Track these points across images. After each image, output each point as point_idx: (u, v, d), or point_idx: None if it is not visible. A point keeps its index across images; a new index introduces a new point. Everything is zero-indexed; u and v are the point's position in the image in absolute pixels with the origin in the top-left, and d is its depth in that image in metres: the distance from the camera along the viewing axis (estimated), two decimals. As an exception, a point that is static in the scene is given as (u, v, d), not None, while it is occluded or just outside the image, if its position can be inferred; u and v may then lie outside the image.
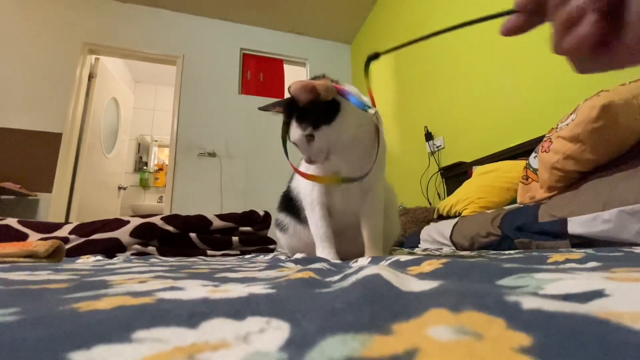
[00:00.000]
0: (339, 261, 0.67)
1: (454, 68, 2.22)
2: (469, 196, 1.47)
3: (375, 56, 0.47)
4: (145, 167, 4.47)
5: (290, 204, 0.86)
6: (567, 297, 0.19)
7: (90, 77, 3.07)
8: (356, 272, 0.29)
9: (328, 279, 0.33)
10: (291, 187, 0.88)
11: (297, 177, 0.83)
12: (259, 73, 3.58)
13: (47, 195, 2.62)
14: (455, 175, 2.04)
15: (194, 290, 0.24)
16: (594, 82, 1.30)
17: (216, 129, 3.20)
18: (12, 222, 1.21)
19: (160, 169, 4.48)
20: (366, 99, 0.68)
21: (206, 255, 1.23)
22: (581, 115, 0.84)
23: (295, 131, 0.65)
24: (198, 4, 3.31)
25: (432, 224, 1.59)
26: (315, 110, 0.63)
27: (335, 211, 0.78)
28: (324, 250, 0.73)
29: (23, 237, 1.17)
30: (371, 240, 0.75)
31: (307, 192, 0.78)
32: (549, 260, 0.42)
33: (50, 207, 2.61)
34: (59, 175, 2.69)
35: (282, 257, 0.86)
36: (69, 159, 2.79)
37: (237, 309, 0.17)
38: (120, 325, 0.15)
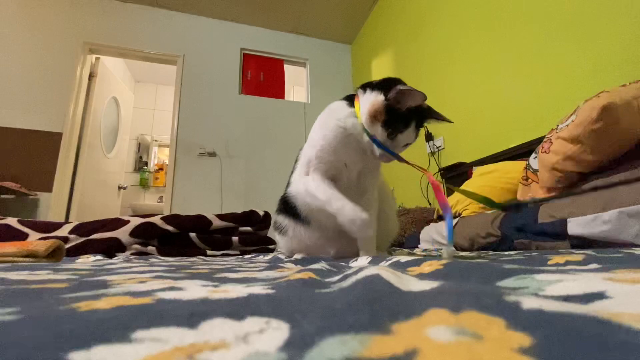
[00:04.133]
0: (363, 215, 0.68)
1: (454, 68, 2.22)
2: (469, 197, 1.47)
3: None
4: (145, 167, 4.47)
5: (289, 207, 0.86)
6: (567, 298, 0.19)
7: (91, 76, 3.07)
8: (356, 272, 0.29)
9: (328, 280, 0.33)
10: (289, 191, 0.85)
11: (294, 178, 0.83)
12: (260, 73, 3.58)
13: (47, 195, 2.62)
14: (455, 175, 2.04)
15: (194, 290, 0.24)
16: (594, 82, 1.30)
17: (216, 128, 3.20)
18: (12, 221, 1.21)
19: (161, 169, 4.48)
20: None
21: (206, 255, 1.23)
22: (581, 116, 0.84)
23: (414, 135, 0.71)
24: (198, 4, 3.31)
25: (432, 224, 1.59)
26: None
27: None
28: (345, 209, 0.69)
29: (23, 236, 1.17)
30: (365, 240, 0.75)
31: (308, 182, 0.76)
32: (550, 262, 0.42)
33: (50, 206, 2.61)
34: (59, 174, 2.69)
35: (282, 257, 0.86)
36: (69, 159, 2.79)
37: (237, 309, 0.17)
38: (120, 325, 0.15)
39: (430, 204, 2.31)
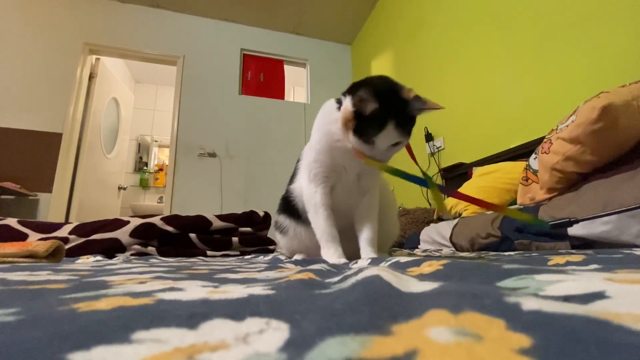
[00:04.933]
0: (344, 260, 0.67)
1: (454, 69, 2.22)
2: (469, 197, 1.47)
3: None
4: (145, 167, 4.47)
5: (290, 207, 0.86)
6: (567, 299, 0.19)
7: (91, 77, 3.07)
8: (356, 273, 0.29)
9: (328, 280, 0.33)
10: (291, 189, 0.86)
11: (299, 179, 0.83)
12: (260, 73, 3.58)
13: (47, 195, 2.62)
14: (455, 176, 2.04)
15: (194, 291, 0.24)
16: (594, 83, 1.30)
17: (216, 129, 3.21)
18: (12, 222, 1.21)
19: (161, 169, 4.48)
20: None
21: (206, 256, 1.22)
22: (581, 116, 0.84)
23: (396, 134, 0.62)
24: (198, 5, 3.31)
25: (432, 225, 1.59)
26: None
27: (335, 213, 0.78)
28: (330, 250, 0.72)
29: (23, 237, 1.17)
30: (367, 241, 0.75)
31: (311, 195, 0.76)
32: (550, 263, 0.42)
33: (50, 207, 2.61)
34: (59, 175, 2.69)
35: (282, 258, 0.86)
36: (69, 159, 2.79)
37: (237, 310, 0.17)
38: (120, 325, 0.15)
39: (430, 204, 2.31)
